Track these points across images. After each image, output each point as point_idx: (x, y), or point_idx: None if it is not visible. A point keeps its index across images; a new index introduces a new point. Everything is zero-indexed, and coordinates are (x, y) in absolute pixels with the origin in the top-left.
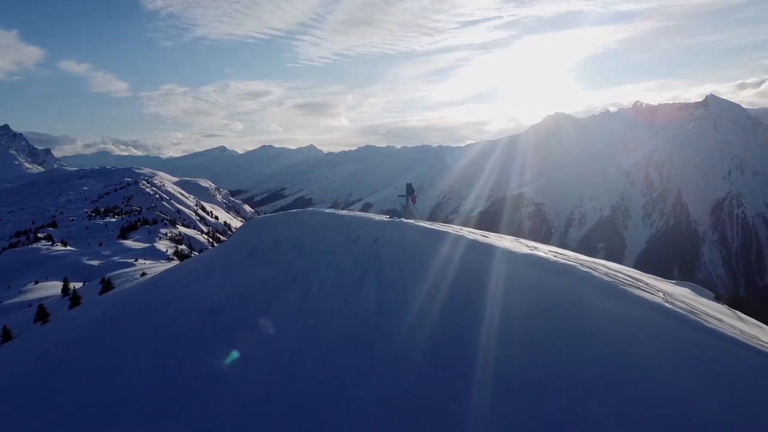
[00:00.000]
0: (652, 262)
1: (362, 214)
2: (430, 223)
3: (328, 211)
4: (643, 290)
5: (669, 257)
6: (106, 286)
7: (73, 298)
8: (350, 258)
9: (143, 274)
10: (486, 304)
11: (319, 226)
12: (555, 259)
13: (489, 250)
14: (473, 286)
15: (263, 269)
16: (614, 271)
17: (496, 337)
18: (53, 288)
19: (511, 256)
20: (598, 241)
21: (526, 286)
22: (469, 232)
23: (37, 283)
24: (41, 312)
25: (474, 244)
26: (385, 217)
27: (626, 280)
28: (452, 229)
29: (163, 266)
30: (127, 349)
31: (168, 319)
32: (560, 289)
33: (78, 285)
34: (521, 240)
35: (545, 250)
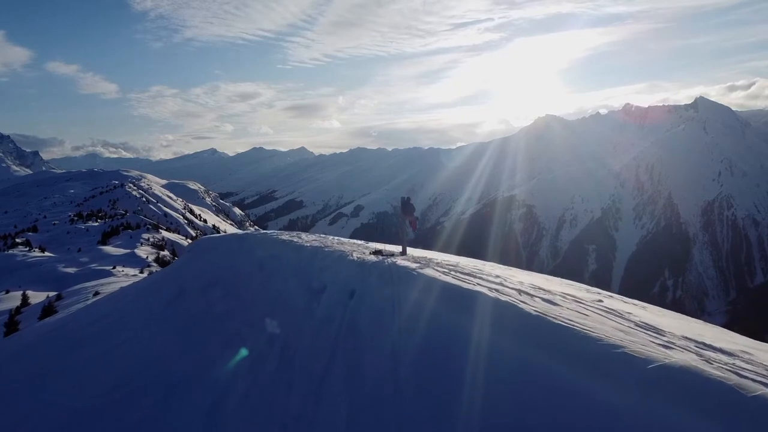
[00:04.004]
0: (642, 264)
1: (335, 243)
2: (452, 272)
3: (285, 237)
4: None
5: (660, 259)
6: (47, 310)
7: (9, 324)
8: (307, 330)
9: (96, 293)
10: None
11: (269, 260)
12: (713, 374)
13: (570, 343)
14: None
15: (173, 334)
16: None
17: None
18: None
19: (618, 365)
20: (589, 243)
21: None
22: (517, 289)
23: (8, 292)
24: None
25: (538, 324)
26: (368, 251)
27: None
28: (487, 282)
29: (121, 283)
30: None
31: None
32: None
33: (42, 297)
34: (597, 294)
35: (652, 321)
